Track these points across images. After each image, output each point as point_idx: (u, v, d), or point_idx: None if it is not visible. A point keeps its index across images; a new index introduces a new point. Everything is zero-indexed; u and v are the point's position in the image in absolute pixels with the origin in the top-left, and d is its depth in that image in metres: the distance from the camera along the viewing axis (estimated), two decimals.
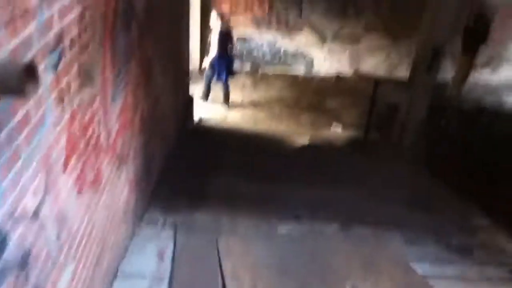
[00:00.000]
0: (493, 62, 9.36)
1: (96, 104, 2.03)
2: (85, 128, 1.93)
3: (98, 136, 2.11)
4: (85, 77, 1.88)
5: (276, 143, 6.31)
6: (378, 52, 9.28)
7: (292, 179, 4.52)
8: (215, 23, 7.38)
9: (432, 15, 5.43)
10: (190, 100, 6.61)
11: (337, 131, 7.29)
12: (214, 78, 7.77)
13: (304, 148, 6.00)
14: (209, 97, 7.93)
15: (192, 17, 8.56)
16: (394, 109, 6.66)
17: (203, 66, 8.19)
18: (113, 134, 2.32)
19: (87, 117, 1.93)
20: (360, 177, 4.70)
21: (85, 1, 1.81)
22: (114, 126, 2.32)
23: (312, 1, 8.85)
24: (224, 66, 7.59)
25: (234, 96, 8.32)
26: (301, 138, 6.67)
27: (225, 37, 7.43)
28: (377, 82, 6.27)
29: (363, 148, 6.29)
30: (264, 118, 7.66)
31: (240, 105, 8.04)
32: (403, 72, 9.33)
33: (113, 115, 2.29)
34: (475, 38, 7.79)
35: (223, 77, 7.68)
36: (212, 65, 7.63)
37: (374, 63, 9.36)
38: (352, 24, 9.01)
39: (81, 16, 1.77)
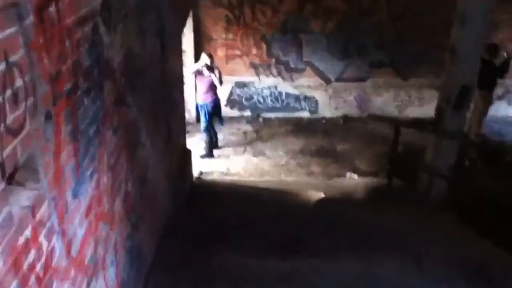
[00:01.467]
0: (509, 95, 8.82)
1: (43, 210, 1.32)
2: (23, 251, 1.20)
3: (50, 254, 1.38)
4: (22, 173, 1.17)
5: (288, 199, 5.57)
6: (386, 91, 8.73)
7: (314, 250, 3.75)
8: (202, 64, 6.84)
9: (458, 51, 4.85)
10: (187, 155, 5.92)
11: (353, 179, 6.56)
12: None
13: (321, 204, 5.25)
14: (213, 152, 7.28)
15: (186, 64, 8.08)
16: (419, 153, 5.98)
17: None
18: (77, 243, 1.60)
19: (26, 234, 1.22)
20: (395, 240, 3.93)
21: (14, 55, 1.14)
22: (78, 231, 1.60)
23: (312, 42, 8.37)
24: (210, 110, 7.03)
25: (236, 145, 7.68)
26: (315, 190, 5.94)
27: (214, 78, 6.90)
28: (397, 124, 5.58)
29: (388, 199, 5.54)
30: (270, 168, 6.96)
31: (243, 155, 7.36)
32: (414, 112, 8.78)
33: (75, 216, 1.58)
34: (492, 71, 7.25)
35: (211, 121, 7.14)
36: (204, 110, 7.06)
37: (382, 102, 8.78)
38: (357, 62, 8.50)
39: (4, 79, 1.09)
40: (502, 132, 8.40)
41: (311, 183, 6.38)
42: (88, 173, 1.75)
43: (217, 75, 6.88)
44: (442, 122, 5.07)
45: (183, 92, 5.73)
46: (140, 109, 2.73)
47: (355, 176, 6.65)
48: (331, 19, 8.21)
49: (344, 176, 6.71)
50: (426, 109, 8.75)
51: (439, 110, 5.16)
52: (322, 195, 5.61)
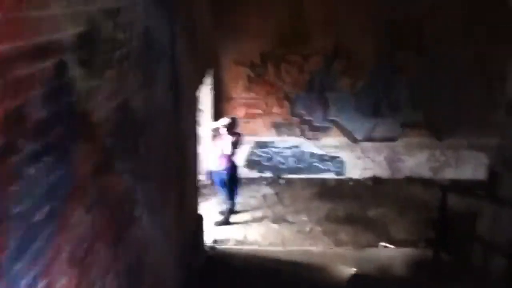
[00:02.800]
0: None
1: None
2: None
3: None
4: None
5: (314, 277, 4.82)
6: (419, 151, 8.07)
7: None
8: (221, 129, 6.38)
9: None
10: (199, 222, 5.32)
11: (388, 250, 5.77)
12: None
13: (354, 284, 4.48)
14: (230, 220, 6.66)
15: (202, 124, 7.70)
16: (466, 222, 5.21)
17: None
18: None
19: None
20: None
21: None
22: None
23: (339, 100, 7.94)
24: (228, 176, 6.43)
25: (255, 209, 7.04)
26: (344, 264, 5.18)
27: (235, 142, 6.38)
28: (444, 188, 4.88)
29: (434, 276, 4.72)
30: (292, 236, 6.25)
31: (262, 220, 6.69)
32: (450, 173, 8.04)
33: None
34: None
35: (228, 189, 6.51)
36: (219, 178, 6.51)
37: (415, 163, 8.10)
38: (387, 121, 7.96)
39: None
40: None
41: (339, 254, 5.61)
42: (25, 280, 1.19)
43: (234, 139, 6.36)
44: (497, 188, 4.37)
45: (197, 153, 5.27)
46: (139, 177, 2.21)
47: (391, 246, 5.86)
48: (360, 76, 7.82)
49: (377, 246, 5.93)
50: (463, 170, 8.04)
51: (493, 174, 4.48)
52: (353, 271, 4.84)
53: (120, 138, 1.91)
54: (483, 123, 7.82)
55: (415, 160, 8.09)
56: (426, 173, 8.08)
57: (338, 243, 6.02)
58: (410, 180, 7.97)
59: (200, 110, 7.67)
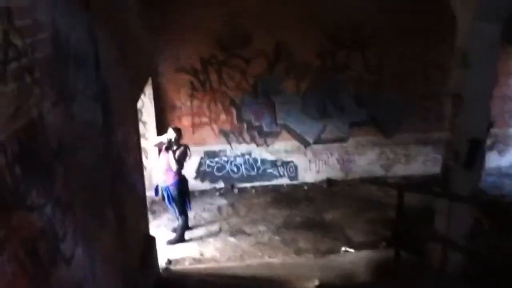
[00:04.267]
0: (498, 145, 8.34)
1: None
2: None
3: None
4: None
5: None
6: (369, 150, 8.07)
7: None
8: (166, 138, 5.88)
9: (463, 99, 4.19)
10: (150, 244, 4.87)
11: (349, 255, 5.60)
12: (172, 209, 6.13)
13: None
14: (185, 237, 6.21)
15: (147, 136, 7.21)
16: (428, 219, 5.13)
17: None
18: None
19: None
20: None
21: None
22: None
23: (286, 103, 7.74)
24: (173, 194, 6.00)
25: (209, 223, 6.65)
26: (307, 273, 4.93)
27: (181, 156, 5.93)
28: (401, 188, 4.76)
29: (397, 277, 4.59)
30: (251, 248, 5.92)
31: (218, 235, 6.32)
32: (401, 170, 8.11)
33: None
34: None
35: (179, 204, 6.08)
36: (167, 194, 6.04)
37: (366, 162, 8.08)
38: (336, 122, 7.87)
39: None
40: (497, 184, 7.78)
41: (301, 264, 5.37)
42: None
43: (178, 154, 5.87)
44: (451, 183, 4.30)
45: (141, 168, 4.82)
46: (62, 207, 1.79)
47: (352, 250, 5.70)
48: (305, 77, 7.65)
49: (338, 251, 5.75)
50: (414, 166, 8.15)
51: (446, 169, 4.40)
52: (316, 282, 4.59)
53: (28, 166, 1.49)
54: (427, 118, 7.98)
55: (366, 159, 8.08)
56: (378, 171, 8.10)
57: (298, 252, 5.78)
58: (363, 180, 7.93)
59: (143, 121, 7.20)
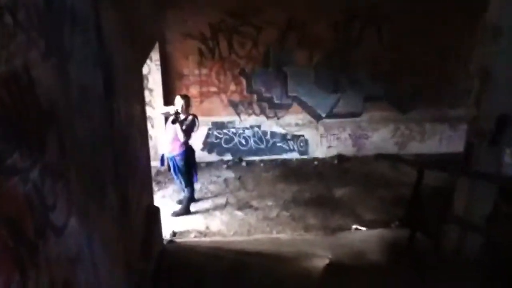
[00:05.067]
0: None
1: None
2: None
3: None
4: None
5: (285, 271, 4.34)
6: (383, 126, 7.78)
7: None
8: (174, 109, 5.59)
9: (491, 73, 3.87)
10: (154, 216, 4.69)
11: (360, 233, 5.41)
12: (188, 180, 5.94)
13: (330, 273, 4.05)
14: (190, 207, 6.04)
15: (154, 105, 6.97)
16: (446, 200, 4.89)
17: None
18: None
19: None
20: None
21: None
22: None
23: (298, 75, 7.43)
24: (180, 165, 5.78)
25: (216, 196, 6.48)
26: (316, 250, 4.75)
27: (189, 126, 5.67)
28: (421, 167, 4.50)
29: (410, 259, 4.39)
30: (258, 223, 5.75)
31: (225, 208, 6.15)
32: (416, 148, 7.83)
33: None
34: None
35: (185, 176, 5.87)
36: (173, 164, 5.82)
37: (380, 139, 7.81)
38: (349, 96, 7.56)
39: None
40: None
41: (310, 241, 5.18)
42: None
43: (186, 124, 5.59)
44: (474, 162, 4.03)
45: (146, 138, 4.58)
46: (52, 173, 1.56)
47: (363, 228, 5.51)
48: (318, 49, 7.31)
49: (349, 229, 5.56)
50: (429, 144, 7.86)
51: (469, 147, 4.12)
52: (327, 261, 4.41)
53: (8, 124, 1.25)
54: (443, 95, 7.64)
55: (380, 136, 7.81)
56: (391, 148, 7.83)
57: (308, 228, 5.59)
58: (375, 156, 7.67)
59: (149, 88, 6.95)
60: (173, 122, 5.50)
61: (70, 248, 1.76)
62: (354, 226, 5.57)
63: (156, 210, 4.84)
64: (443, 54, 7.38)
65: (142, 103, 4.52)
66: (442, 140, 7.83)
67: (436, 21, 7.12)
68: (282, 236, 5.38)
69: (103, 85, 2.72)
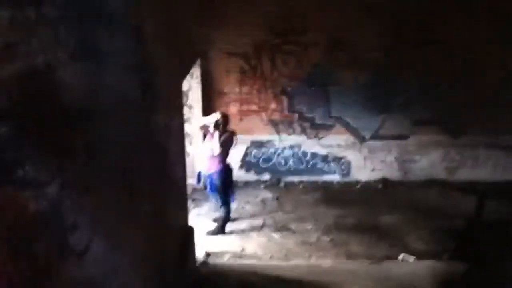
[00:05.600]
0: None
1: None
2: None
3: None
4: None
5: None
6: (433, 150, 7.31)
7: None
8: (213, 119, 5.46)
9: None
10: (188, 236, 4.50)
11: (408, 264, 4.98)
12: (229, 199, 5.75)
13: None
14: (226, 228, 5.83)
15: (191, 121, 6.89)
16: (503, 235, 4.44)
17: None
18: None
19: None
20: None
21: None
22: None
23: (343, 95, 7.16)
24: (217, 183, 5.58)
25: (253, 217, 6.23)
26: (360, 281, 4.38)
27: (226, 141, 5.51)
28: (482, 194, 4.09)
29: None
30: (297, 248, 5.43)
31: (261, 230, 5.88)
32: (466, 174, 7.29)
33: None
34: None
35: (222, 194, 5.66)
36: (210, 182, 5.64)
37: (428, 164, 7.33)
38: (396, 117, 7.19)
39: None
40: None
41: (353, 270, 4.80)
42: None
43: (223, 138, 5.45)
44: None
45: (184, 155, 4.44)
46: (75, 188, 1.39)
47: (411, 259, 5.07)
48: (365, 70, 7.04)
49: (396, 258, 5.13)
50: (482, 171, 7.31)
51: None
52: None
53: (23, 128, 1.07)
54: (501, 120, 7.11)
55: (428, 160, 7.34)
56: (440, 174, 7.33)
57: (350, 256, 5.22)
58: (423, 182, 7.20)
59: (188, 105, 6.88)
60: (215, 127, 5.34)
61: (92, 272, 1.57)
62: (401, 255, 5.14)
63: (191, 230, 4.65)
64: (502, 76, 6.91)
65: (181, 117, 4.39)
66: (496, 167, 7.26)
67: (496, 43, 6.69)
68: (323, 263, 5.03)
69: (141, 94, 2.58)
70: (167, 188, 3.55)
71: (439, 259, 5.08)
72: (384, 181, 7.24)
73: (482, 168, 7.27)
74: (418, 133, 7.22)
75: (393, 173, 7.34)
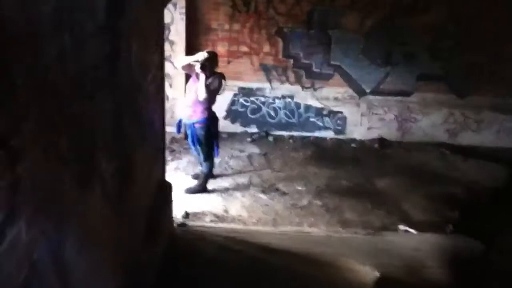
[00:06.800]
0: None
1: None
2: None
3: None
4: None
5: (321, 278, 3.47)
6: (436, 110, 6.70)
7: None
8: (196, 66, 4.62)
9: None
10: (164, 194, 3.83)
11: (410, 237, 4.49)
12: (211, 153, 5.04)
13: None
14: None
15: (174, 58, 6.01)
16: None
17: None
18: None
19: None
20: None
21: None
22: None
23: (344, 41, 6.36)
24: (199, 135, 4.86)
25: (237, 174, 5.59)
26: (360, 255, 3.86)
27: (214, 85, 4.73)
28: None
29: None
30: (286, 212, 4.86)
31: (247, 189, 5.26)
32: (468, 138, 6.76)
33: None
34: None
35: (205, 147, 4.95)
36: (192, 132, 4.90)
37: (429, 124, 6.75)
38: (401, 71, 6.48)
39: None
40: None
41: (349, 241, 4.28)
42: None
43: (213, 81, 4.71)
44: None
45: (162, 98, 3.66)
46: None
47: (412, 231, 4.58)
48: (372, 14, 6.22)
49: (395, 229, 4.63)
50: (485, 135, 6.77)
51: None
52: (376, 273, 3.51)
53: None
54: (510, 81, 6.51)
55: (430, 120, 6.74)
56: (441, 136, 6.78)
57: (345, 224, 4.68)
58: (422, 144, 6.65)
59: (170, 41, 5.98)
60: (202, 67, 4.52)
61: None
62: (401, 227, 4.64)
63: (168, 186, 3.97)
64: None
65: (161, 53, 3.57)
66: (501, 132, 6.74)
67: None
68: (315, 231, 4.49)
69: (105, 7, 1.79)
70: (139, 136, 2.82)
71: (442, 232, 4.61)
72: (381, 141, 6.65)
73: (485, 132, 6.74)
74: (422, 90, 6.56)
75: (391, 133, 6.73)
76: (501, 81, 6.44)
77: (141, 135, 2.88)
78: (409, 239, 4.37)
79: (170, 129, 4.89)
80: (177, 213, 4.46)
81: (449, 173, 5.97)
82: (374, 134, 6.72)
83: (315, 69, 6.49)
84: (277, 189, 5.28)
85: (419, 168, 6.06)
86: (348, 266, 3.65)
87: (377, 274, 3.46)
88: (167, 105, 4.78)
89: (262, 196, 5.12)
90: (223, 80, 4.78)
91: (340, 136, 6.73)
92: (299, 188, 5.35)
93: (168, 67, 5.35)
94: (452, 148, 6.59)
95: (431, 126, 6.73)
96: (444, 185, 5.63)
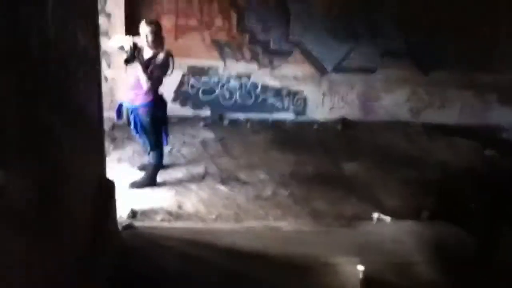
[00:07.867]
0: None
1: None
2: None
3: None
4: None
5: (297, 282, 2.97)
6: (399, 87, 6.40)
7: None
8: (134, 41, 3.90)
9: None
10: (106, 193, 3.14)
11: (384, 224, 4.10)
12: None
13: None
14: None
15: (112, 33, 5.21)
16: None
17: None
18: None
19: None
20: None
21: None
22: None
23: (304, 16, 5.83)
24: (143, 119, 4.17)
25: (191, 164, 4.96)
26: (336, 250, 3.40)
27: (160, 64, 4.04)
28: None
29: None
30: (249, 205, 4.31)
31: (203, 180, 4.65)
32: (432, 117, 6.54)
33: None
34: None
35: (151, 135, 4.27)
36: (136, 118, 4.19)
37: (392, 102, 6.44)
38: (365, 46, 6.09)
39: None
40: None
41: (323, 236, 3.81)
42: None
43: (158, 63, 3.99)
44: None
45: (98, 81, 2.94)
46: None
47: (387, 218, 4.20)
48: None
49: (370, 218, 4.23)
50: (449, 113, 6.58)
51: None
52: (360, 268, 3.07)
53: None
54: (473, 58, 6.32)
55: (393, 99, 6.45)
56: (404, 114, 6.51)
57: (316, 215, 4.21)
58: (386, 123, 6.34)
59: (106, 13, 5.16)
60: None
61: None
62: (375, 215, 4.25)
63: (110, 185, 3.27)
64: (483, 14, 6.03)
65: (93, 29, 2.83)
66: (464, 109, 6.58)
67: None
68: (283, 225, 3.97)
69: None
70: (68, 123, 2.13)
71: (417, 218, 4.28)
72: (344, 121, 6.27)
73: (448, 110, 6.55)
74: (386, 66, 6.23)
75: (354, 113, 6.37)
76: (467, 55, 6.24)
77: (70, 124, 2.18)
78: (386, 229, 3.97)
79: (110, 114, 4.14)
80: (122, 212, 3.78)
81: (417, 154, 5.71)
82: (336, 115, 6.32)
83: (273, 46, 5.95)
84: (237, 179, 4.72)
85: (385, 150, 5.74)
86: (328, 266, 3.17)
87: (360, 268, 3.02)
88: (105, 87, 4.02)
89: (220, 187, 4.53)
90: (170, 60, 4.08)
91: (300, 118, 6.28)
92: (262, 176, 4.82)
93: (105, 44, 4.55)
94: (417, 127, 6.33)
95: (394, 104, 6.44)
96: (413, 167, 5.33)
